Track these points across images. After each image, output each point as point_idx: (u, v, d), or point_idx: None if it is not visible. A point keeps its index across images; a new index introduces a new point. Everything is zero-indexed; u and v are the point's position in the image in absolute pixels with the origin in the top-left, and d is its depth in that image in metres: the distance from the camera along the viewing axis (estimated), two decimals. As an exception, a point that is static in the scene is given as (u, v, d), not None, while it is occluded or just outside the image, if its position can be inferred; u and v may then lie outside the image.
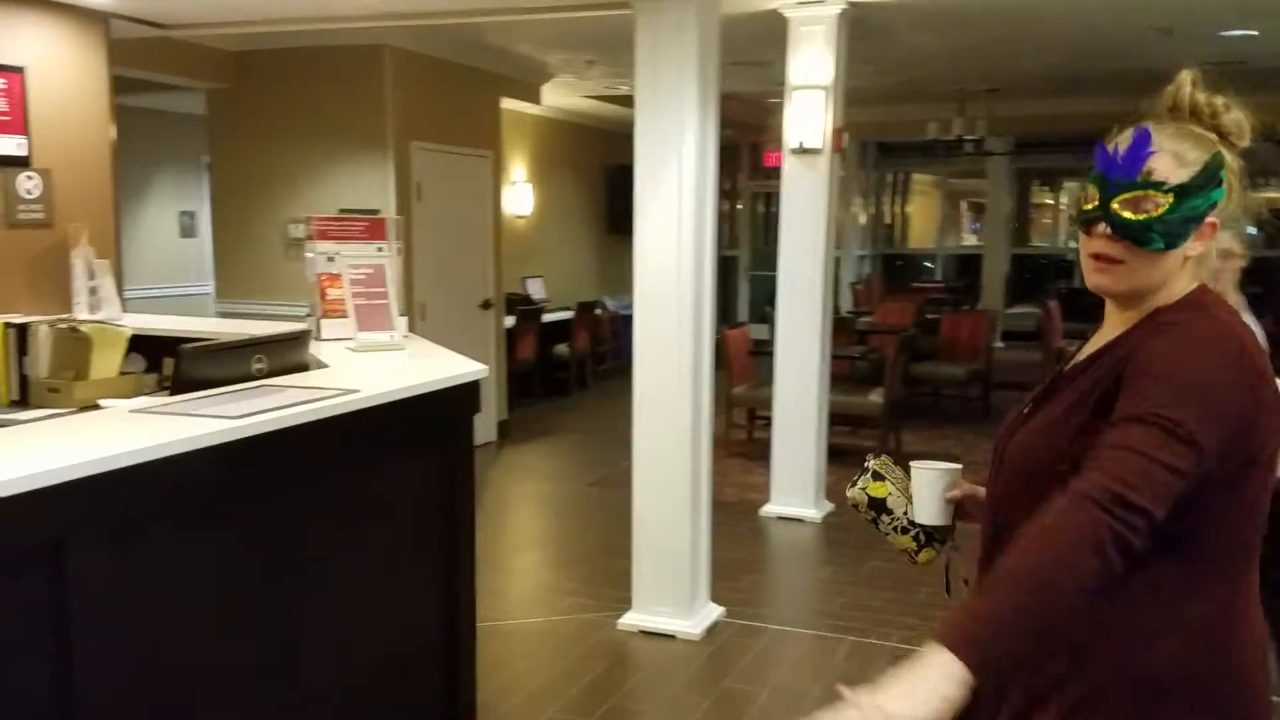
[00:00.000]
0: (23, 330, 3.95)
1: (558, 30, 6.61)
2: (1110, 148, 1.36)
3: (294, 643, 2.43)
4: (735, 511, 5.71)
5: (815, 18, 5.49)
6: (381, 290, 3.41)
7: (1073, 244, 13.60)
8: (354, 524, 2.61)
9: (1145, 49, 6.80)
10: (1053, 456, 1.36)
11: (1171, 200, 1.32)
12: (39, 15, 4.33)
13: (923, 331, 8.57)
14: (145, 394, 3.29)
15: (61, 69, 4.45)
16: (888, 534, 1.75)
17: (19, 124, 4.24)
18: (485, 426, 7.60)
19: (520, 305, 8.92)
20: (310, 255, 3.70)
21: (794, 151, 5.60)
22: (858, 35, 5.79)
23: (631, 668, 3.89)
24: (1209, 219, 1.33)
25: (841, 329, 7.86)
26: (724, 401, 7.11)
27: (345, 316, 3.45)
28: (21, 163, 4.27)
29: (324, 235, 3.70)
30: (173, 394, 2.60)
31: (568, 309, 9.66)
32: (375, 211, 6.53)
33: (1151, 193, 1.32)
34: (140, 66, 6.01)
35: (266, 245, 6.78)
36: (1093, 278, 1.39)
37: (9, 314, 4.15)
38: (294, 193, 6.71)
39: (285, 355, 2.91)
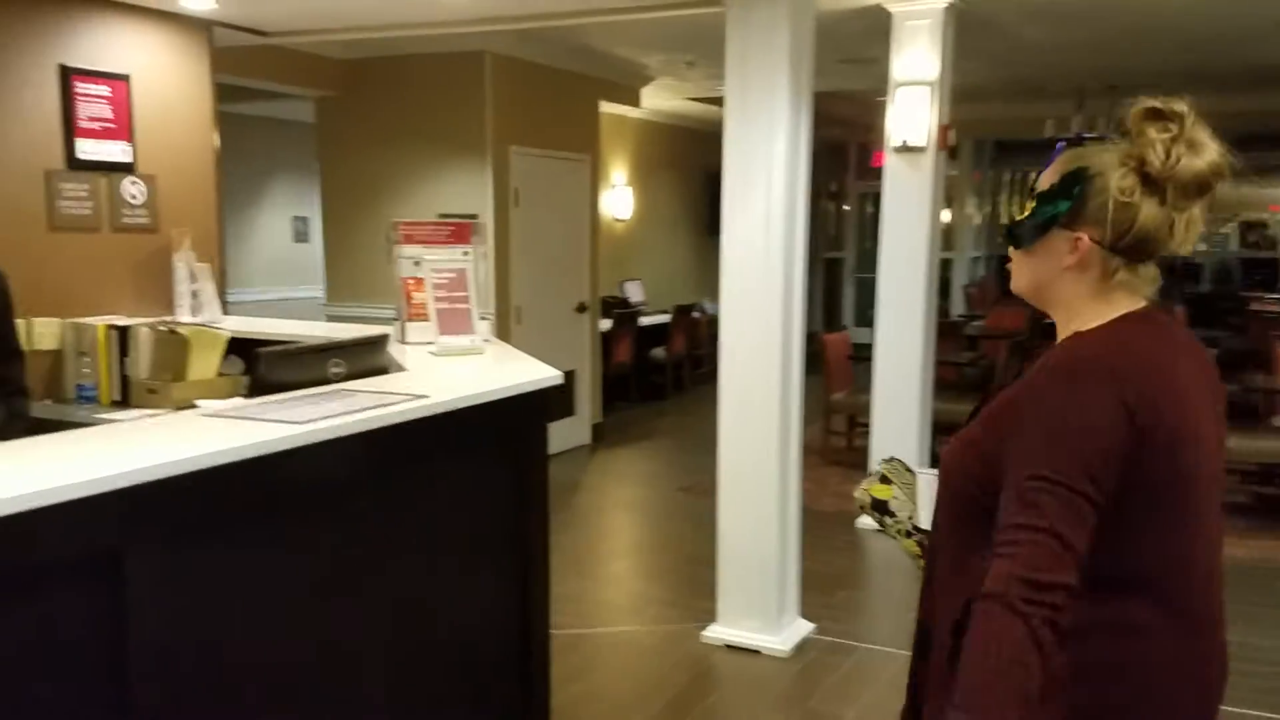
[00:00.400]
0: (125, 332, 4.07)
1: (657, 32, 6.55)
2: None
3: (361, 650, 2.40)
4: (832, 523, 5.55)
5: (919, 12, 5.30)
6: (463, 294, 3.38)
7: (1202, 246, 12.92)
8: (424, 530, 2.57)
9: (1269, 43, 6.36)
10: (965, 476, 1.43)
11: (1033, 205, 1.43)
12: (143, 23, 4.46)
13: (1036, 337, 8.20)
14: (241, 395, 3.34)
15: (165, 76, 4.57)
16: (894, 537, 1.77)
17: (124, 130, 4.37)
18: (579, 429, 7.58)
19: (617, 308, 8.89)
20: (397, 259, 3.71)
21: (897, 150, 5.41)
22: (965, 29, 5.56)
23: (714, 683, 3.78)
24: (1077, 233, 1.38)
25: (950, 333, 7.59)
26: (822, 408, 6.94)
27: (428, 320, 3.44)
28: (127, 168, 4.40)
29: (410, 239, 3.70)
30: (250, 396, 2.61)
31: (665, 312, 9.59)
32: (474, 216, 6.65)
33: (1028, 199, 1.45)
34: (253, 75, 6.19)
35: (372, 249, 6.90)
36: None
37: (113, 316, 4.28)
38: (398, 198, 6.81)
39: (363, 359, 2.91)
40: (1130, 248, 1.37)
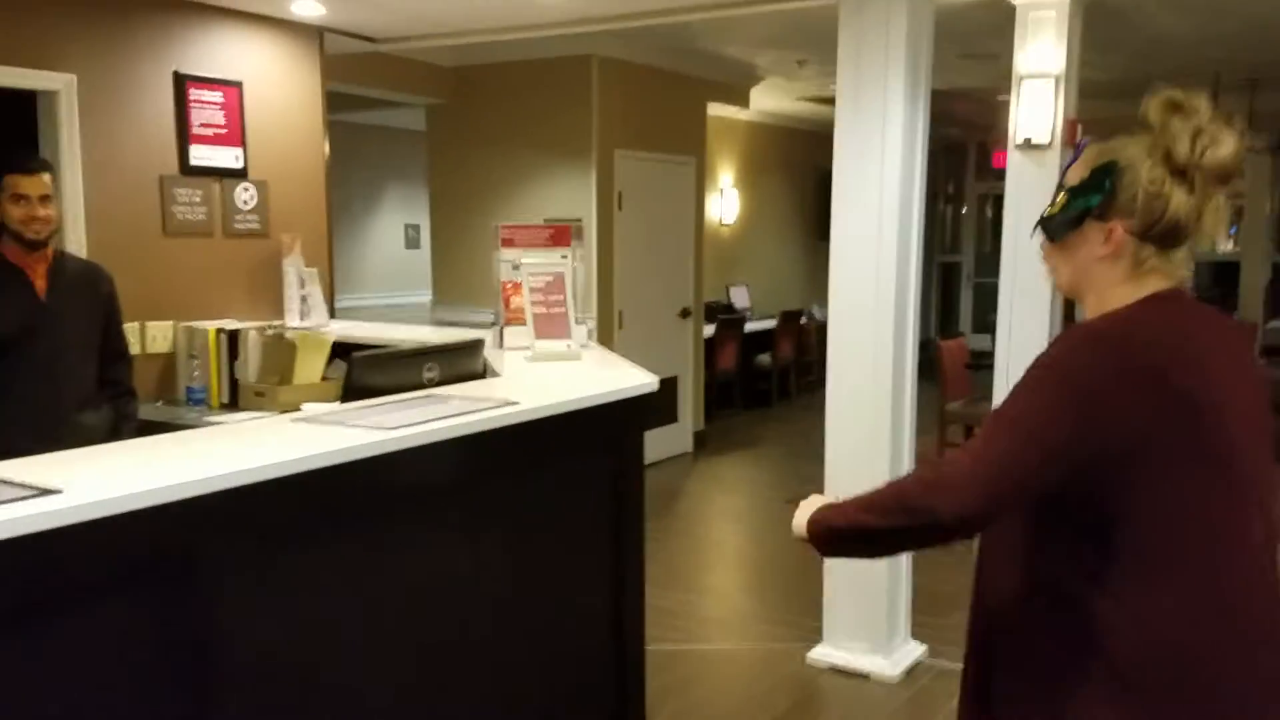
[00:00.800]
0: (234, 336, 4.13)
1: (768, 30, 6.41)
2: None
3: (449, 661, 2.33)
4: (945, 538, 5.29)
5: (1046, 3, 5.03)
6: (560, 298, 3.31)
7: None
8: (515, 538, 2.50)
9: None
10: None
11: (1065, 199, 1.47)
12: (255, 29, 4.53)
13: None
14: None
15: (277, 82, 4.64)
16: None
17: (237, 136, 4.45)
18: (681, 437, 7.46)
19: (722, 313, 8.74)
20: (496, 262, 3.66)
21: (1019, 147, 5.13)
22: (1093, 21, 5.25)
23: (818, 708, 3.61)
24: (1111, 223, 1.42)
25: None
26: (937, 417, 6.67)
27: (526, 324, 3.38)
28: (239, 174, 4.48)
29: (509, 242, 3.65)
30: (344, 401, 2.58)
31: (771, 318, 9.40)
32: (577, 220, 6.60)
33: (1059, 192, 1.49)
34: (367, 83, 6.29)
35: (478, 254, 6.91)
36: None
37: (223, 320, 4.36)
38: (504, 203, 6.82)
39: (458, 364, 2.85)
40: (1162, 235, 1.42)
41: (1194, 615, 1.35)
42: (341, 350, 4.04)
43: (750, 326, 9.05)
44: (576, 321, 3.55)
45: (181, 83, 4.25)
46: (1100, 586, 1.36)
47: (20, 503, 1.57)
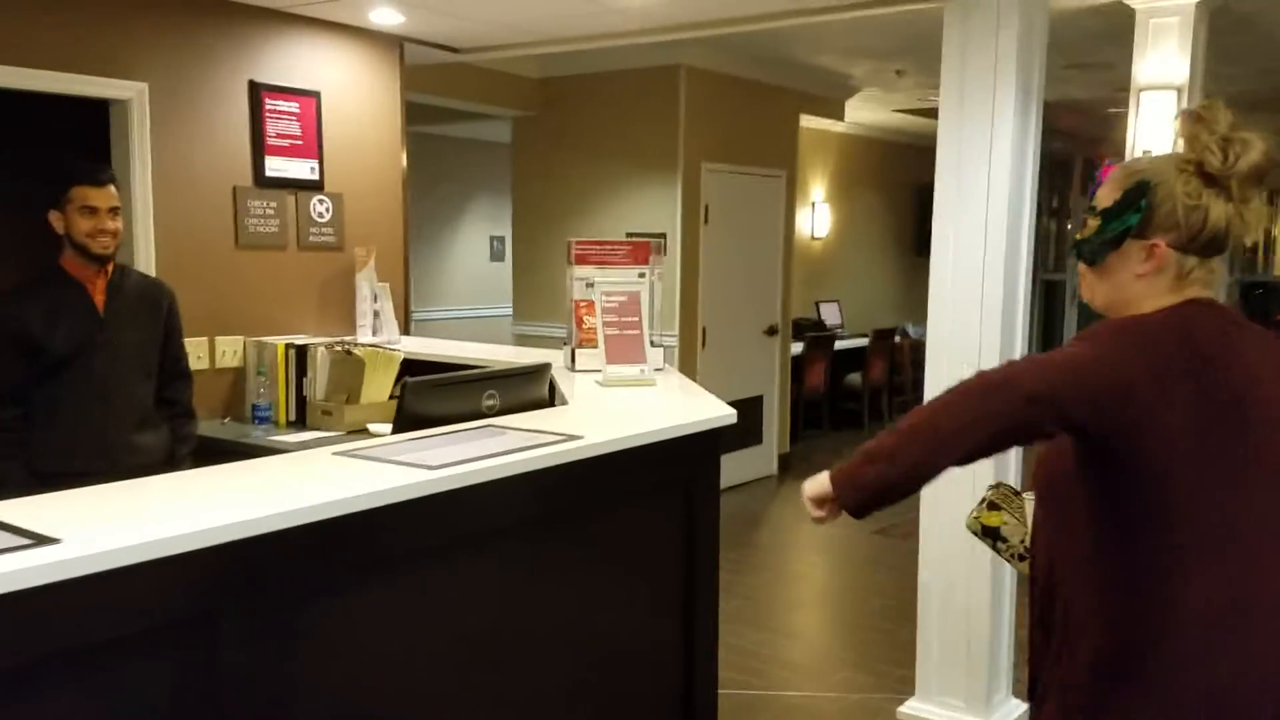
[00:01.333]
0: (303, 352, 4.02)
1: (865, 39, 6.12)
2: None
3: (501, 713, 2.13)
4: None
5: (1168, 8, 4.64)
6: (634, 319, 3.09)
7: None
8: (576, 577, 2.28)
9: None
10: (1047, 468, 1.55)
11: (1099, 223, 1.47)
12: (334, 38, 4.43)
13: None
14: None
15: (355, 93, 4.54)
16: (1008, 561, 1.80)
17: (313, 148, 4.35)
18: (764, 459, 7.18)
19: (810, 331, 8.43)
20: (570, 280, 3.47)
21: (1136, 161, 4.76)
22: (1221, 29, 4.84)
23: (908, 770, 3.31)
24: (1152, 240, 1.44)
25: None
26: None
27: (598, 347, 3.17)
28: (314, 186, 4.37)
29: (583, 259, 3.45)
30: (395, 430, 2.40)
31: (863, 336, 9.05)
32: (659, 236, 6.40)
33: (1090, 217, 1.50)
34: (453, 95, 6.20)
35: (558, 269, 6.74)
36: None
37: (295, 335, 4.25)
38: (586, 217, 6.66)
39: (521, 390, 2.66)
40: (1205, 245, 1.44)
41: (1222, 613, 1.36)
42: (411, 368, 3.89)
43: (840, 345, 8.72)
44: (652, 344, 3.33)
45: (257, 92, 4.16)
46: (1147, 577, 1.38)
47: (12, 554, 1.41)
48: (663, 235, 6.37)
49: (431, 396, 2.44)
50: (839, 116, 8.16)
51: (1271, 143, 1.43)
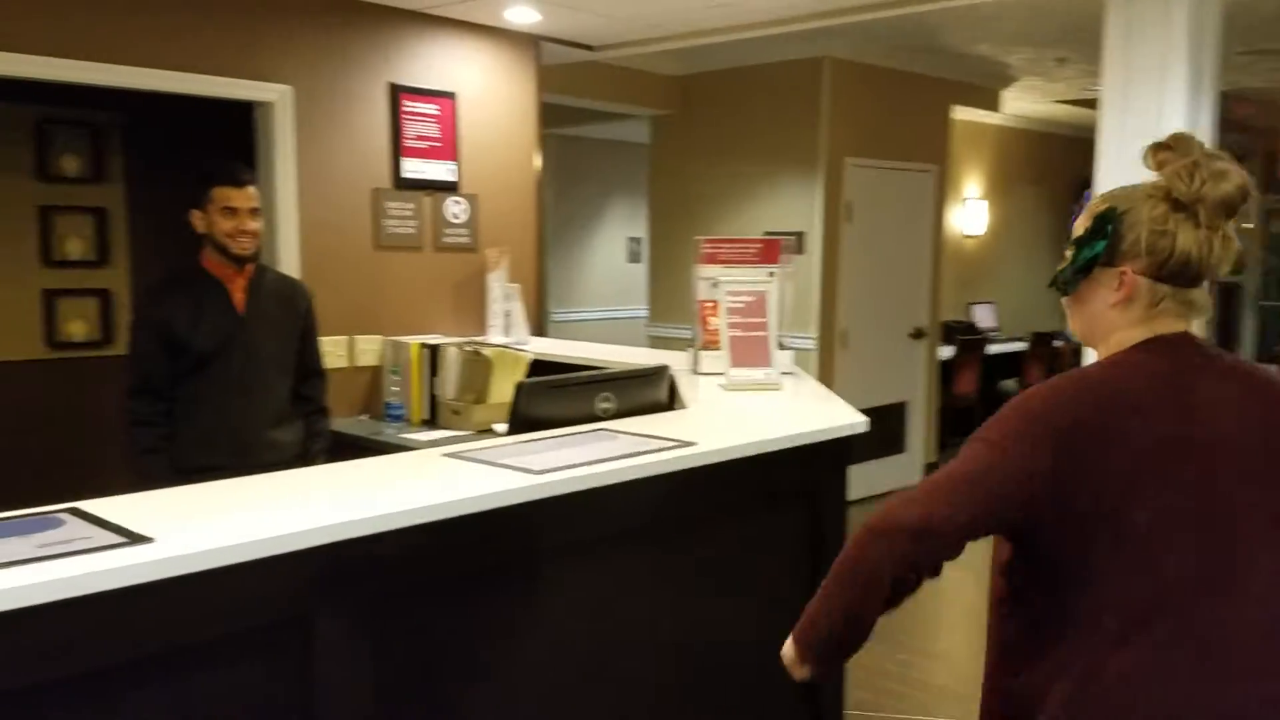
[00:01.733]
0: (435, 351, 4.05)
1: (1022, 25, 5.79)
2: None
3: (605, 740, 2.04)
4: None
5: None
6: (761, 321, 2.96)
7: None
8: (689, 589, 2.18)
9: None
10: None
11: (1073, 251, 1.48)
12: (471, 39, 4.46)
13: None
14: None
15: (492, 94, 4.56)
16: None
17: (450, 149, 4.39)
18: (909, 468, 6.88)
19: (962, 334, 8.06)
20: (696, 280, 3.36)
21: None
22: None
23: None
24: (1120, 269, 1.43)
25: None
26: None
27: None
28: (450, 188, 4.41)
29: (711, 258, 3.34)
30: (510, 432, 2.35)
31: (1020, 339, 8.60)
32: (799, 234, 6.22)
33: (1068, 247, 1.50)
34: (591, 95, 6.20)
35: (691, 270, 6.69)
36: None
37: (430, 334, 4.30)
38: (723, 217, 6.55)
39: (637, 394, 2.57)
40: (1174, 273, 1.41)
41: (1155, 671, 1.32)
42: (539, 369, 3.87)
43: (994, 348, 8.30)
44: (781, 347, 3.19)
45: (396, 94, 4.22)
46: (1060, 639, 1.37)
47: (101, 553, 1.41)
48: (797, 234, 6.19)
49: (545, 399, 2.38)
50: (994, 108, 7.77)
51: (1247, 176, 1.41)
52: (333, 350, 4.08)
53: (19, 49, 3.30)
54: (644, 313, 7.37)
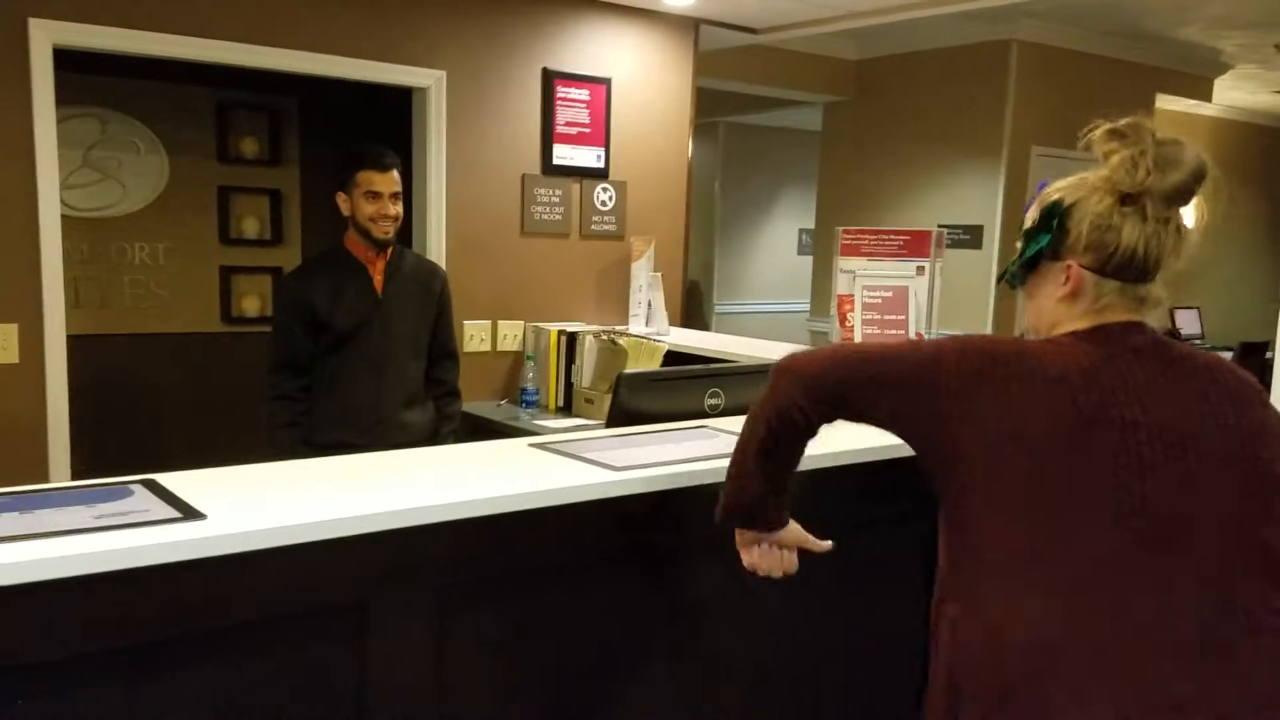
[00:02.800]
0: (573, 339, 4.02)
1: (1235, 7, 5.25)
2: None
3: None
4: None
5: None
6: (900, 318, 2.75)
7: None
8: (791, 605, 2.03)
9: None
10: None
11: (1023, 243, 1.44)
12: (627, 22, 4.38)
13: None
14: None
15: (646, 79, 4.47)
16: None
17: (600, 136, 4.34)
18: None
19: (1160, 342, 7.42)
20: (837, 272, 3.18)
21: None
22: None
23: None
24: (1066, 261, 1.38)
25: None
26: None
27: (857, 348, 2.87)
28: (599, 175, 4.37)
29: (853, 250, 3.15)
30: (609, 425, 2.27)
31: (1228, 349, 7.84)
32: (978, 228, 5.86)
33: (1019, 239, 1.46)
34: (766, 81, 6.03)
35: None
36: None
37: (572, 321, 4.27)
38: (896, 208, 6.26)
39: (750, 391, 2.41)
40: (1120, 268, 1.36)
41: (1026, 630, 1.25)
42: (676, 360, 3.77)
43: (1197, 359, 7.61)
44: (925, 347, 2.97)
45: (550, 80, 4.21)
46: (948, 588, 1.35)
47: (149, 527, 1.41)
48: (980, 228, 5.83)
49: (648, 392, 2.28)
50: (1206, 97, 7.11)
51: (1200, 162, 1.35)
52: (475, 334, 4.12)
53: (199, 33, 3.47)
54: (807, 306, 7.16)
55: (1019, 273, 1.44)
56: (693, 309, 8.47)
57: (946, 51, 5.96)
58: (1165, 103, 6.85)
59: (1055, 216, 1.39)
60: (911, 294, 2.79)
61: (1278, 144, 8.83)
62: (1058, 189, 1.42)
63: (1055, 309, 1.40)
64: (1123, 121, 1.39)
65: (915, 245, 3.14)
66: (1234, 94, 7.55)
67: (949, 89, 6.00)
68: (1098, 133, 1.40)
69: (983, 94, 5.85)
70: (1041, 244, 1.40)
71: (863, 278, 2.84)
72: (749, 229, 8.87)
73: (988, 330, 5.77)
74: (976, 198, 5.87)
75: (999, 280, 1.49)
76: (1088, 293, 1.37)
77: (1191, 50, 6.34)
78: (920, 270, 3.08)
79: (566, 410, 3.99)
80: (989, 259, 5.78)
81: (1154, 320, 1.42)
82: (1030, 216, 1.44)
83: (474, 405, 4.02)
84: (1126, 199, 1.35)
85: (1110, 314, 1.38)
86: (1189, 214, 1.41)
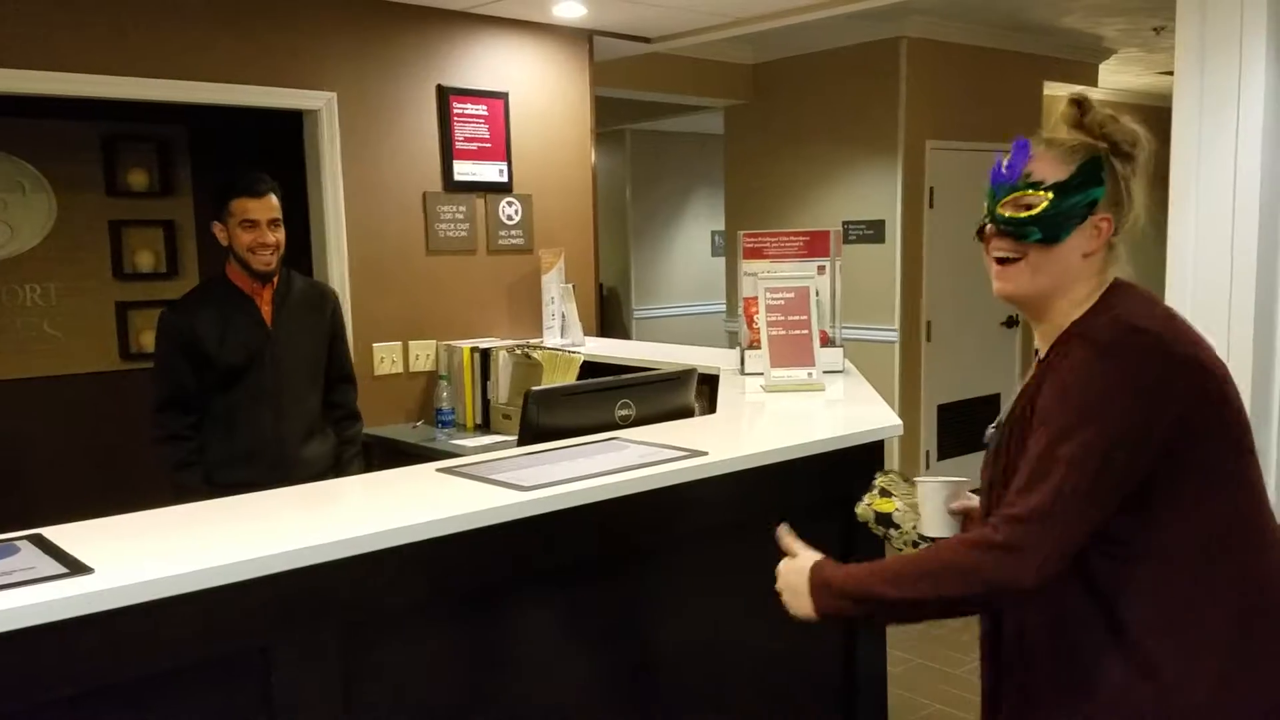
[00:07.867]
0: (487, 355, 3.98)
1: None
2: (999, 163, 1.46)
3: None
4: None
5: None
6: (802, 318, 2.78)
7: None
8: (705, 611, 2.04)
9: None
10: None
11: (1051, 197, 1.40)
12: (521, 37, 4.37)
13: None
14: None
15: (544, 92, 4.47)
16: (900, 549, 1.71)
17: (501, 150, 4.32)
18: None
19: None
20: (741, 276, 3.21)
21: None
22: None
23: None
24: (1101, 216, 1.40)
25: None
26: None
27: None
28: (503, 189, 4.34)
29: (756, 254, 3.18)
30: (520, 443, 2.25)
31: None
32: (880, 223, 5.98)
33: (1030, 192, 1.41)
34: (665, 89, 6.06)
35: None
36: (996, 286, 1.47)
37: (485, 338, 4.23)
38: (800, 207, 6.34)
39: (661, 399, 2.43)
40: (1129, 224, 1.43)
41: (1228, 610, 1.30)
42: (592, 371, 3.76)
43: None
44: (832, 343, 3.02)
45: (445, 96, 4.17)
46: (1132, 575, 1.31)
47: (38, 585, 1.35)
48: (881, 223, 5.94)
49: (556, 407, 2.27)
50: (1093, 82, 7.33)
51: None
52: (386, 356, 4.06)
53: (82, 69, 3.35)
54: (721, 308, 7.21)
55: (1067, 225, 1.38)
56: (611, 316, 8.47)
57: (839, 52, 6.07)
58: (1053, 89, 7.06)
59: (1102, 169, 1.40)
60: (813, 293, 2.82)
61: (1165, 124, 9.16)
62: (1080, 144, 1.41)
63: (1080, 265, 1.40)
64: (1077, 94, 1.45)
65: (815, 245, 3.18)
66: (1119, 77, 7.81)
67: (844, 88, 6.11)
68: (1069, 102, 1.45)
69: (877, 91, 5.96)
70: (1096, 196, 1.39)
71: (764, 280, 2.86)
72: (663, 233, 8.91)
73: (895, 322, 5.88)
74: (877, 193, 5.98)
75: (1005, 234, 1.41)
76: (1103, 250, 1.41)
77: (1075, 37, 6.55)
78: (821, 269, 3.13)
79: (485, 428, 3.96)
80: (892, 252, 5.89)
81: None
82: (1057, 171, 1.39)
83: (388, 429, 3.95)
84: (1126, 156, 1.41)
85: (1116, 270, 1.43)
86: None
